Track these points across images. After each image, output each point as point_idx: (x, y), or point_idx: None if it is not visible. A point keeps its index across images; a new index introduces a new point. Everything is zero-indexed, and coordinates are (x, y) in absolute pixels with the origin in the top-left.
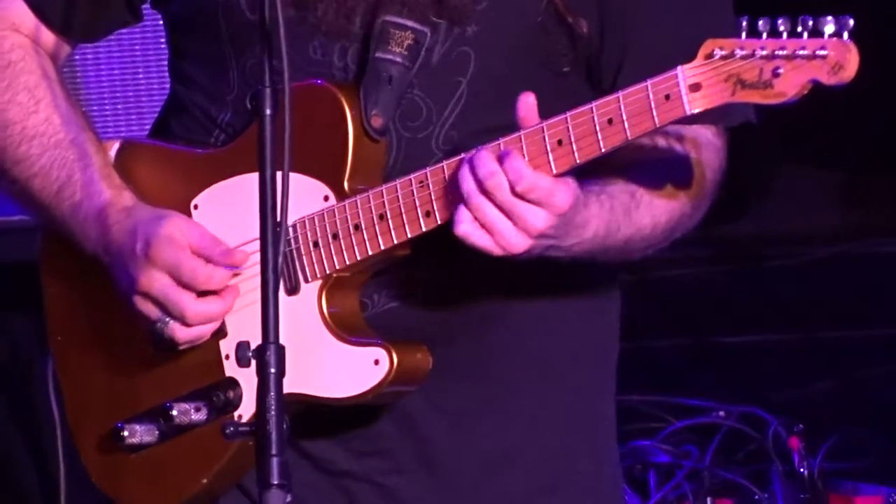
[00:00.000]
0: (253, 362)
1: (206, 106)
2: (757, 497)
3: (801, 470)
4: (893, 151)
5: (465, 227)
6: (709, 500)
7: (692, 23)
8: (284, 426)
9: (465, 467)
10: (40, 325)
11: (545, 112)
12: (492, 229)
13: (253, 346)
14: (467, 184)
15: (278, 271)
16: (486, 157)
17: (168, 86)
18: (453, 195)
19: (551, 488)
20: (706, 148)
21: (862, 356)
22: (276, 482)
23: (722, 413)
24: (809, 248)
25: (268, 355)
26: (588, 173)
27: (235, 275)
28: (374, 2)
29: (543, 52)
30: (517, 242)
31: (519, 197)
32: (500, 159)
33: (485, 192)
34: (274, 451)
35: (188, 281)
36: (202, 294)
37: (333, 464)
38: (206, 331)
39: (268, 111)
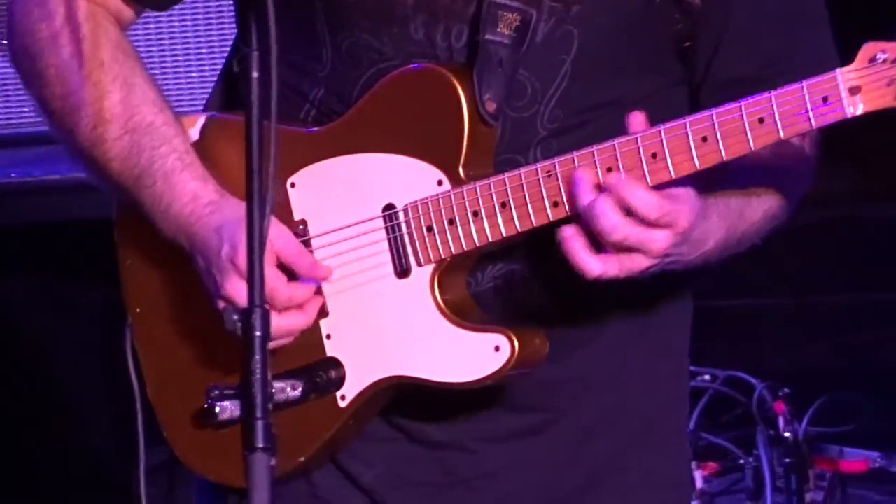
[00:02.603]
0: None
1: (296, 81)
2: (742, 461)
3: (787, 434)
4: (889, 114)
5: (598, 269)
6: (694, 463)
7: (789, 15)
8: (270, 390)
9: (560, 436)
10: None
11: (652, 94)
12: (621, 261)
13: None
14: (611, 214)
15: (264, 237)
16: (608, 207)
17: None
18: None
19: (640, 446)
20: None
21: (849, 321)
22: (260, 445)
23: (707, 377)
24: (799, 212)
25: (253, 318)
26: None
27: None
28: None
29: (651, 27)
30: (640, 264)
31: (649, 224)
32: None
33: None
34: (259, 415)
35: (269, 295)
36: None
37: (427, 435)
38: (288, 340)
39: (255, 74)
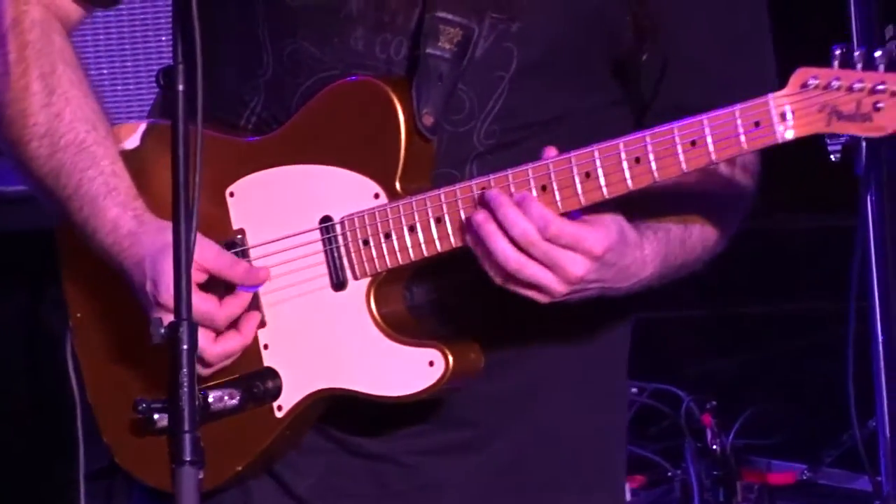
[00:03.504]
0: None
1: (236, 87)
2: (670, 474)
3: (714, 447)
4: None
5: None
6: None
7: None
8: (197, 403)
9: (495, 452)
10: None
11: (589, 113)
12: (535, 283)
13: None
14: (503, 247)
15: (191, 248)
16: (514, 215)
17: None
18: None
19: (577, 467)
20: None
21: (774, 332)
22: (188, 458)
23: (635, 389)
24: None
25: (181, 332)
26: (637, 203)
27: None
28: None
29: (593, 48)
30: (557, 290)
31: (550, 241)
32: (521, 205)
33: (521, 249)
34: (186, 428)
35: (205, 324)
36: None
37: (363, 447)
38: (227, 363)
39: (180, 87)
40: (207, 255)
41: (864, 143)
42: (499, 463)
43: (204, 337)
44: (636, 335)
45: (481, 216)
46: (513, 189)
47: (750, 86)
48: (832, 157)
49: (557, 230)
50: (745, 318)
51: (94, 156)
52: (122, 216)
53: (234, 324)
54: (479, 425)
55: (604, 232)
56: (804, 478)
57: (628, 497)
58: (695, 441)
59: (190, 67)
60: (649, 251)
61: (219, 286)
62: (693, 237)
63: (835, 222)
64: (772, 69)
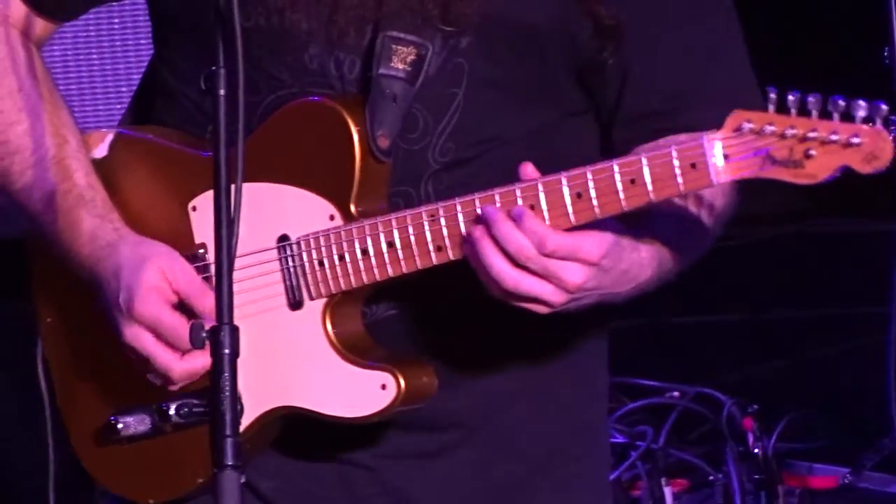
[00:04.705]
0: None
1: (200, 100)
2: (711, 477)
3: (756, 450)
4: None
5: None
6: (663, 480)
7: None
8: (238, 408)
9: (462, 459)
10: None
11: (543, 127)
12: (533, 296)
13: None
14: (498, 264)
15: (233, 254)
16: (509, 230)
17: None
18: (476, 255)
19: (545, 472)
20: (719, 201)
21: (815, 336)
22: (230, 463)
23: (676, 394)
24: (761, 228)
25: (222, 336)
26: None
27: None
28: (371, 15)
29: (547, 60)
30: (555, 300)
31: (548, 256)
32: (517, 221)
33: (517, 265)
34: (228, 433)
35: (171, 341)
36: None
37: (328, 451)
38: (194, 379)
39: (221, 91)
40: (180, 278)
41: None
42: (467, 467)
43: (168, 356)
44: (678, 340)
45: (478, 232)
46: (460, 215)
47: (718, 93)
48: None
49: (555, 245)
50: (786, 322)
51: (67, 169)
52: (100, 227)
53: None
54: (445, 431)
55: (599, 238)
56: (845, 482)
57: (670, 500)
58: (736, 445)
59: (230, 72)
60: (646, 254)
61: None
62: (664, 252)
63: (876, 226)
64: (744, 74)
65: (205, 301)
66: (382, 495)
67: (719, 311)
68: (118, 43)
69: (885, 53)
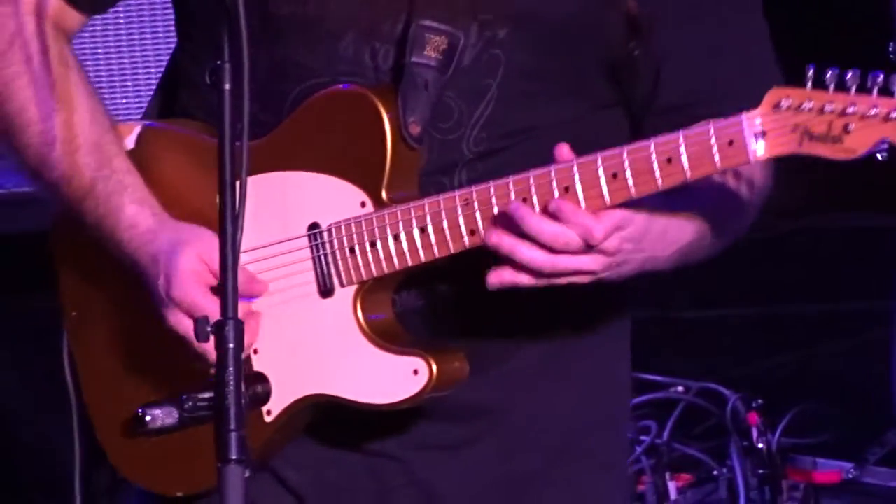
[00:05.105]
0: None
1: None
2: (715, 472)
3: (760, 445)
4: None
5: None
6: (667, 474)
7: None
8: (243, 402)
9: (488, 448)
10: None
11: (578, 119)
12: (573, 270)
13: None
14: (535, 257)
15: (237, 248)
16: (538, 222)
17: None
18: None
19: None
20: (758, 177)
21: (820, 331)
22: (234, 457)
23: (681, 388)
24: (767, 223)
25: (227, 330)
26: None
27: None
28: (406, 4)
29: (581, 52)
30: (597, 266)
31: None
32: (558, 215)
33: (553, 250)
34: (232, 427)
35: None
36: None
37: (356, 442)
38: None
39: (227, 86)
40: (216, 259)
41: None
42: (491, 458)
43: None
44: (683, 335)
45: (502, 233)
46: (494, 200)
47: (739, 87)
48: (878, 156)
49: (602, 234)
50: (790, 317)
51: (107, 155)
52: (140, 213)
53: None
54: (474, 421)
55: (632, 208)
56: (850, 476)
57: (674, 495)
58: (740, 440)
59: (236, 67)
60: (685, 218)
61: None
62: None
63: (881, 222)
64: (772, 65)
65: (241, 276)
66: (408, 486)
67: (724, 306)
68: (136, 36)
69: (891, 49)
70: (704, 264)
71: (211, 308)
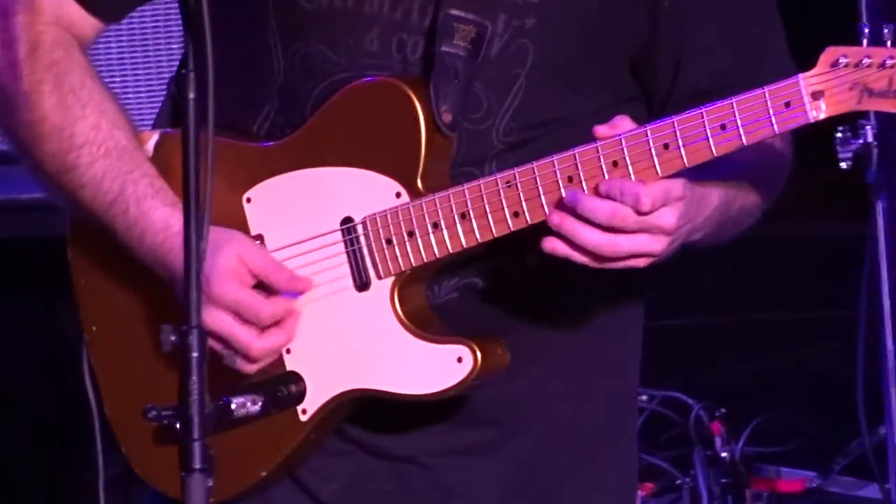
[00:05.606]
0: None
1: (247, 94)
2: (679, 481)
3: (724, 454)
4: (828, 131)
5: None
6: None
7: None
8: (207, 410)
9: (515, 451)
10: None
11: (606, 108)
12: (633, 253)
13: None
14: (592, 237)
15: (202, 256)
16: (592, 202)
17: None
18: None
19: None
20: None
21: (783, 339)
22: (197, 466)
23: (644, 397)
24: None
25: (190, 339)
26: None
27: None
28: None
29: (608, 42)
30: (658, 247)
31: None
32: (610, 195)
33: (612, 229)
34: (196, 436)
35: (251, 319)
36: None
37: (384, 449)
38: (271, 359)
39: (191, 95)
40: (256, 259)
41: (875, 151)
42: (518, 460)
43: (248, 333)
44: (645, 343)
45: (557, 217)
46: (538, 180)
47: (772, 66)
48: (842, 164)
49: (650, 200)
50: (754, 325)
51: (135, 159)
52: (173, 215)
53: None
54: (502, 424)
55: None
56: (813, 485)
57: None
58: (704, 449)
59: (201, 76)
60: (710, 185)
61: (262, 287)
62: (742, 195)
63: (845, 230)
64: (787, 50)
65: (282, 275)
66: (438, 491)
67: (687, 315)
68: (162, 42)
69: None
70: (667, 273)
71: (254, 300)
